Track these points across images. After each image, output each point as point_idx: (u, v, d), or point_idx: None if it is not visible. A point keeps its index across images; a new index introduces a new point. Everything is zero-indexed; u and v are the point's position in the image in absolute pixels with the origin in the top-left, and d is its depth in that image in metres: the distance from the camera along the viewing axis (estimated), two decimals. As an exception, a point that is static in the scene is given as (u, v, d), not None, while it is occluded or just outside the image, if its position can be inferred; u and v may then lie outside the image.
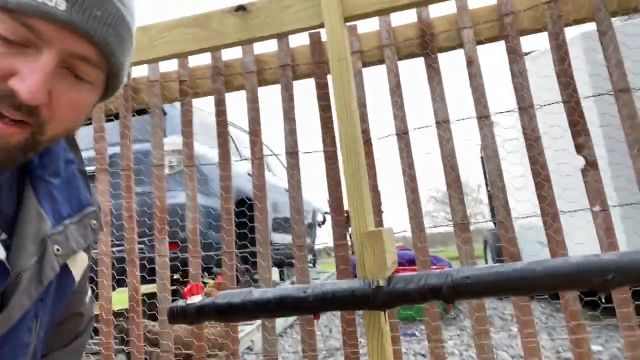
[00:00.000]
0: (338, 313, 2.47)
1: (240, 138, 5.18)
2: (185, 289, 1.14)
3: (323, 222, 7.62)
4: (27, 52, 0.54)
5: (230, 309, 1.13)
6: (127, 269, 1.60)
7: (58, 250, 0.66)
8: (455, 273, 1.03)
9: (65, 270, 0.71)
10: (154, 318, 1.64)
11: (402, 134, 1.43)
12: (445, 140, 1.38)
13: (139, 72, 1.70)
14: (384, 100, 1.53)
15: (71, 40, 0.55)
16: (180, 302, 1.16)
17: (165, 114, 3.58)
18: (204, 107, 4.14)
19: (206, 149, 3.67)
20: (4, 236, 0.63)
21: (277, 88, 1.60)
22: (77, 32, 0.54)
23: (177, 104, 3.94)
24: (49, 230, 0.65)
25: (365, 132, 1.44)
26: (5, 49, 0.53)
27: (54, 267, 0.64)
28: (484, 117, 1.38)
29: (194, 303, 1.15)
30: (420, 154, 1.48)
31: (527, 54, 1.47)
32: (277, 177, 6.11)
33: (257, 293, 1.14)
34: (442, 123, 1.40)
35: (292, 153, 1.52)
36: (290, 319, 4.06)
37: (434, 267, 3.94)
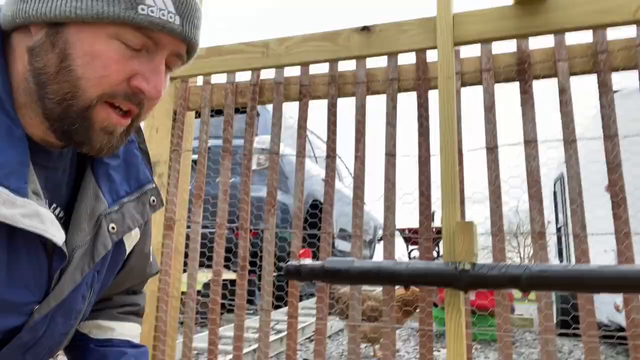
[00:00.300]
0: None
1: (315, 145, 5.49)
2: (300, 252, 1.40)
3: (381, 239, 7.76)
4: (141, 54, 0.63)
5: (336, 273, 1.38)
6: (214, 251, 1.89)
7: (113, 228, 0.70)
8: (533, 267, 1.21)
9: (119, 243, 0.77)
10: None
11: (492, 148, 1.62)
12: (532, 158, 1.56)
13: (265, 75, 2.01)
14: (475, 118, 1.73)
15: (177, 44, 0.65)
16: (295, 262, 1.43)
17: (258, 114, 3.95)
18: (291, 114, 4.50)
19: (290, 151, 4.01)
20: (61, 214, 0.69)
21: (382, 98, 1.85)
22: (184, 39, 0.65)
23: (269, 107, 4.29)
24: (104, 209, 0.70)
25: (458, 144, 1.64)
26: (129, 55, 0.61)
27: (106, 245, 0.69)
28: (570, 142, 1.54)
29: (307, 265, 1.41)
30: (505, 168, 1.66)
31: (616, 91, 1.61)
32: (347, 188, 6.36)
33: (359, 263, 1.38)
34: (530, 142, 1.57)
35: (390, 155, 1.75)
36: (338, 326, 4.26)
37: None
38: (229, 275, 3.19)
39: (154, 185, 0.80)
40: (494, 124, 1.64)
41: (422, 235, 1.62)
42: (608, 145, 1.47)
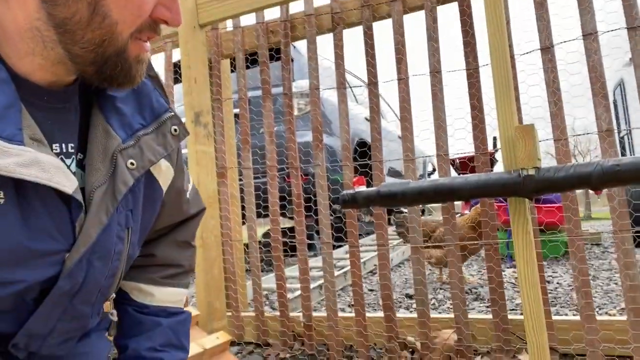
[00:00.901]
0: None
1: (353, 84, 5.36)
2: (354, 180, 1.38)
3: (432, 172, 7.65)
4: None
5: (392, 196, 1.36)
6: (269, 195, 1.90)
7: (132, 164, 0.66)
8: (605, 162, 1.13)
9: (150, 179, 0.73)
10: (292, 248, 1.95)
11: (546, 48, 1.49)
12: (593, 52, 1.43)
13: (295, 8, 1.93)
14: (521, 20, 1.60)
15: None
16: (350, 191, 1.41)
17: (292, 60, 3.86)
18: (324, 54, 4.37)
19: (329, 92, 3.93)
20: (80, 156, 0.65)
21: (417, 16, 1.74)
22: None
23: (303, 51, 4.19)
24: (119, 145, 0.65)
25: (510, 48, 1.53)
26: None
27: (126, 182, 0.65)
28: (632, 28, 1.40)
29: (362, 192, 1.39)
30: (562, 67, 1.54)
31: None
32: (390, 124, 6.23)
33: (415, 183, 1.35)
34: (590, 35, 1.44)
35: (435, 72, 1.66)
36: (407, 254, 4.30)
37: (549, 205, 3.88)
38: (285, 223, 3.27)
39: (172, 113, 0.73)
40: (548, 21, 1.50)
41: (478, 155, 1.55)
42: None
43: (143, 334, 0.82)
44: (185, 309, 0.91)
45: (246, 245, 2.03)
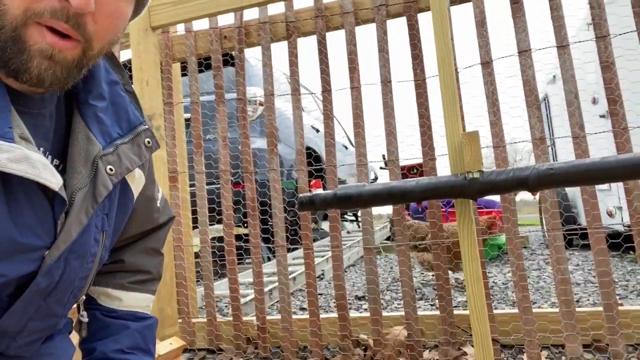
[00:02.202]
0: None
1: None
2: (312, 183, 1.42)
3: (375, 180, 7.89)
4: None
5: (348, 198, 1.41)
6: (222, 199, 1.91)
7: (111, 170, 0.68)
8: (540, 166, 1.26)
9: (125, 186, 0.75)
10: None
11: (486, 63, 1.63)
12: (527, 67, 1.57)
13: (250, 15, 1.96)
14: (464, 37, 1.73)
15: None
16: (307, 194, 1.46)
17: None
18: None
19: (278, 101, 3.97)
20: (56, 162, 0.66)
21: (369, 28, 1.83)
22: None
23: (252, 60, 4.18)
24: (99, 151, 0.67)
25: (454, 62, 1.65)
26: None
27: (106, 186, 0.67)
28: (562, 47, 1.56)
29: (319, 194, 1.44)
30: (501, 79, 1.67)
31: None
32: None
33: (370, 186, 1.41)
34: (524, 52, 1.58)
35: (386, 82, 1.75)
36: (354, 258, 4.41)
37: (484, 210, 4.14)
38: (237, 230, 3.25)
39: (146, 126, 0.76)
40: (487, 38, 1.64)
41: (426, 160, 1.65)
42: (601, 45, 1.49)
43: (110, 337, 0.82)
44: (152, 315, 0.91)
45: (197, 255, 2.01)
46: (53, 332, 0.76)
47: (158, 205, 0.90)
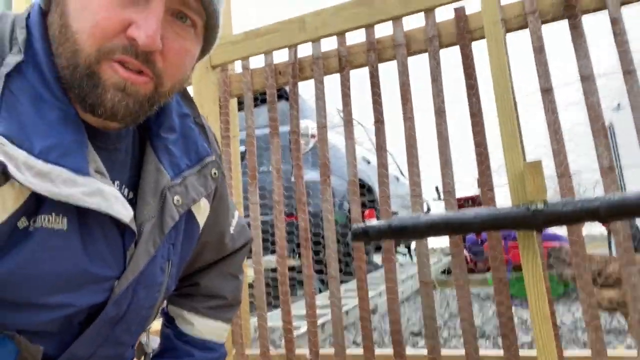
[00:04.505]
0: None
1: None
2: (366, 213, 1.42)
3: (428, 211, 7.73)
4: (138, 3, 0.58)
5: (403, 229, 1.38)
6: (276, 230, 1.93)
7: (178, 200, 0.70)
8: (610, 196, 1.18)
9: (190, 216, 0.77)
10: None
11: (547, 90, 1.57)
12: (591, 93, 1.51)
13: (303, 52, 2.03)
14: (522, 64, 1.69)
15: None
16: (361, 225, 1.44)
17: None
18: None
19: (330, 134, 4.04)
20: (130, 195, 0.69)
21: (422, 58, 1.83)
22: None
23: (305, 94, 4.29)
24: (167, 183, 0.69)
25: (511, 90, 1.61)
26: (122, 3, 0.57)
27: (173, 216, 0.69)
28: (630, 72, 1.48)
29: (373, 225, 1.42)
30: (562, 107, 1.61)
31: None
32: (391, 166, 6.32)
33: (425, 216, 1.38)
34: (587, 78, 1.52)
35: (440, 112, 1.73)
36: (407, 293, 4.28)
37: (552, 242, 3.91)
38: (290, 261, 3.26)
39: (214, 158, 0.79)
40: (546, 64, 1.59)
41: (485, 191, 1.60)
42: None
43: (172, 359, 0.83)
44: (223, 346, 0.92)
45: (251, 286, 2.03)
46: None
47: (232, 232, 0.92)
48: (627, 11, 1.56)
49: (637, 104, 1.45)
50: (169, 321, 0.89)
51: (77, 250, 0.58)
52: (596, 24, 1.74)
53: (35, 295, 0.57)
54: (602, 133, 1.48)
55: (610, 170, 1.43)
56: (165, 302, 0.82)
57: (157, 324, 0.93)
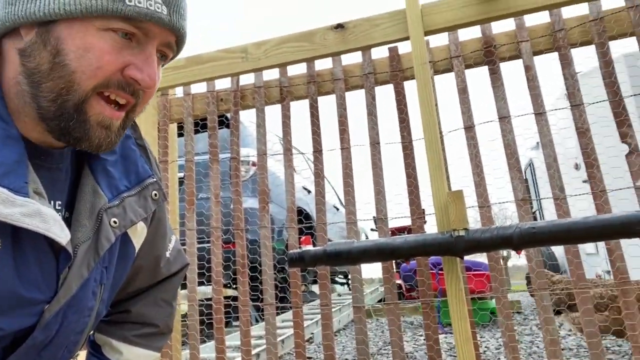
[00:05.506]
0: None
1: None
2: (302, 239, 1.44)
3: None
4: (132, 45, 0.62)
5: (338, 254, 1.43)
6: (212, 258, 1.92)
7: (115, 222, 0.70)
8: (522, 225, 1.30)
9: (126, 239, 0.77)
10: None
11: (469, 127, 1.72)
12: (507, 132, 1.66)
13: (245, 80, 2.07)
14: (448, 103, 1.84)
15: (166, 34, 0.65)
16: (297, 250, 1.47)
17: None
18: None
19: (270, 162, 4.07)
20: (66, 214, 0.69)
21: (358, 93, 1.94)
22: (173, 29, 0.65)
23: (246, 122, 4.31)
24: (104, 204, 0.69)
25: (438, 126, 1.73)
26: (121, 46, 0.61)
27: (109, 238, 0.69)
28: (541, 113, 1.66)
29: (309, 250, 1.46)
30: (484, 143, 1.76)
31: (579, 72, 1.75)
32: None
33: (359, 243, 1.44)
34: (504, 118, 1.68)
35: (375, 143, 1.83)
36: (344, 321, 4.30)
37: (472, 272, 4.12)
38: (226, 291, 3.20)
39: (154, 180, 0.79)
40: (469, 104, 1.74)
41: (414, 219, 1.69)
42: (575, 113, 1.59)
43: None
44: None
45: (184, 316, 1.98)
46: None
47: (168, 255, 0.91)
48: (538, 60, 1.76)
49: (546, 142, 1.61)
50: (95, 349, 0.86)
51: (9, 272, 0.57)
52: (514, 70, 1.93)
53: None
54: (516, 167, 1.63)
55: (524, 201, 1.57)
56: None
57: (82, 354, 0.89)
